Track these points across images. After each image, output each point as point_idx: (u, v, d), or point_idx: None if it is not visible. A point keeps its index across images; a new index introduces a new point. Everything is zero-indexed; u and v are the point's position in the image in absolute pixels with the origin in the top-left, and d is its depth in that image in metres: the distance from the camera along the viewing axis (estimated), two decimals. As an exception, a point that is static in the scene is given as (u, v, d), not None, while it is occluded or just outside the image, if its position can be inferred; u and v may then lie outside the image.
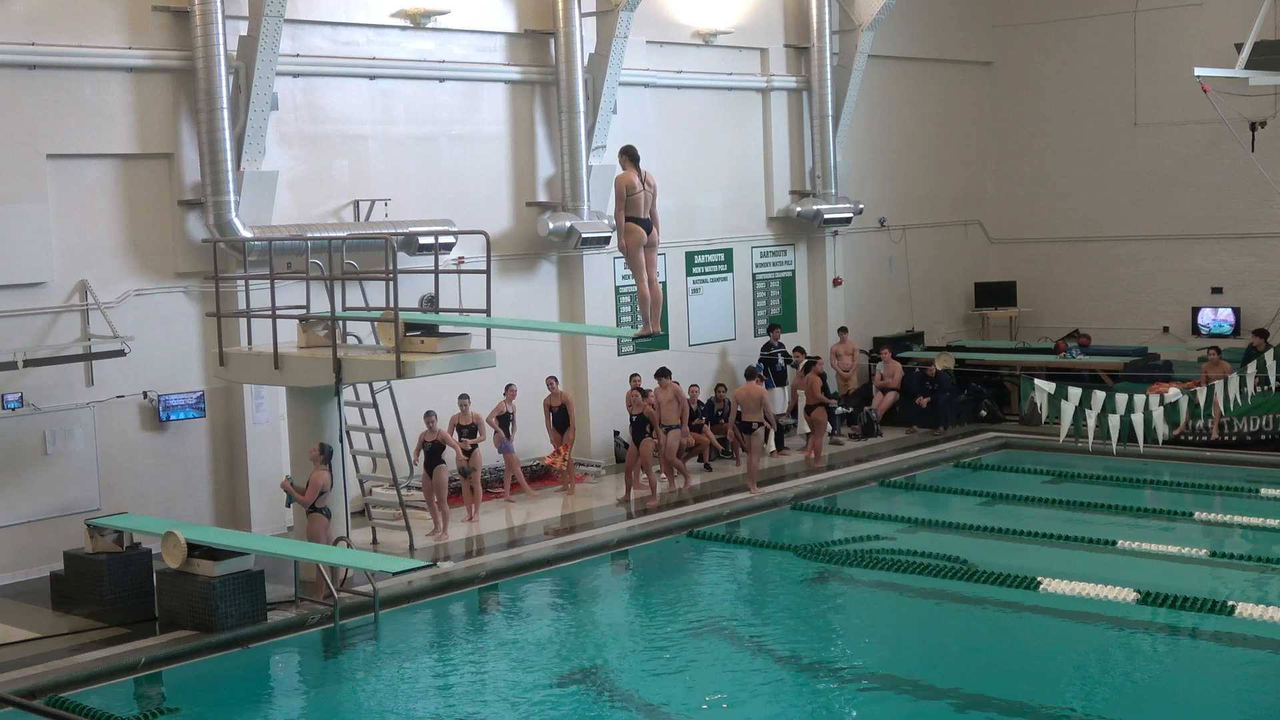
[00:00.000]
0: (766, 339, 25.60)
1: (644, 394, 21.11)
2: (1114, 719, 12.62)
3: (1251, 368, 20.94)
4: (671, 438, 21.02)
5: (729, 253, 25.65)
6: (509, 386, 20.47)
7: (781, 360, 25.19)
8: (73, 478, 17.71)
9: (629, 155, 15.27)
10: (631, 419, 20.96)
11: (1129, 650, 14.88)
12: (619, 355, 23.32)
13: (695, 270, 25.06)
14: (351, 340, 17.69)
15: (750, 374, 22.14)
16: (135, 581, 16.02)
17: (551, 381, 21.39)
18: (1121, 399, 20.42)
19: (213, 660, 14.67)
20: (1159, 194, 28.68)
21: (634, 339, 16.66)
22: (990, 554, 17.85)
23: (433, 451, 18.72)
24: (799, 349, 25.26)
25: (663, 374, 21.17)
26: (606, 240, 22.28)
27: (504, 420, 20.55)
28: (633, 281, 15.88)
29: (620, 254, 16.49)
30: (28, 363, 17.16)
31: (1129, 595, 15.76)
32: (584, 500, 20.87)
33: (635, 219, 15.14)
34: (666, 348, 23.96)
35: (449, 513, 18.98)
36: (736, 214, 25.78)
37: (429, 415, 18.79)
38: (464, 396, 19.59)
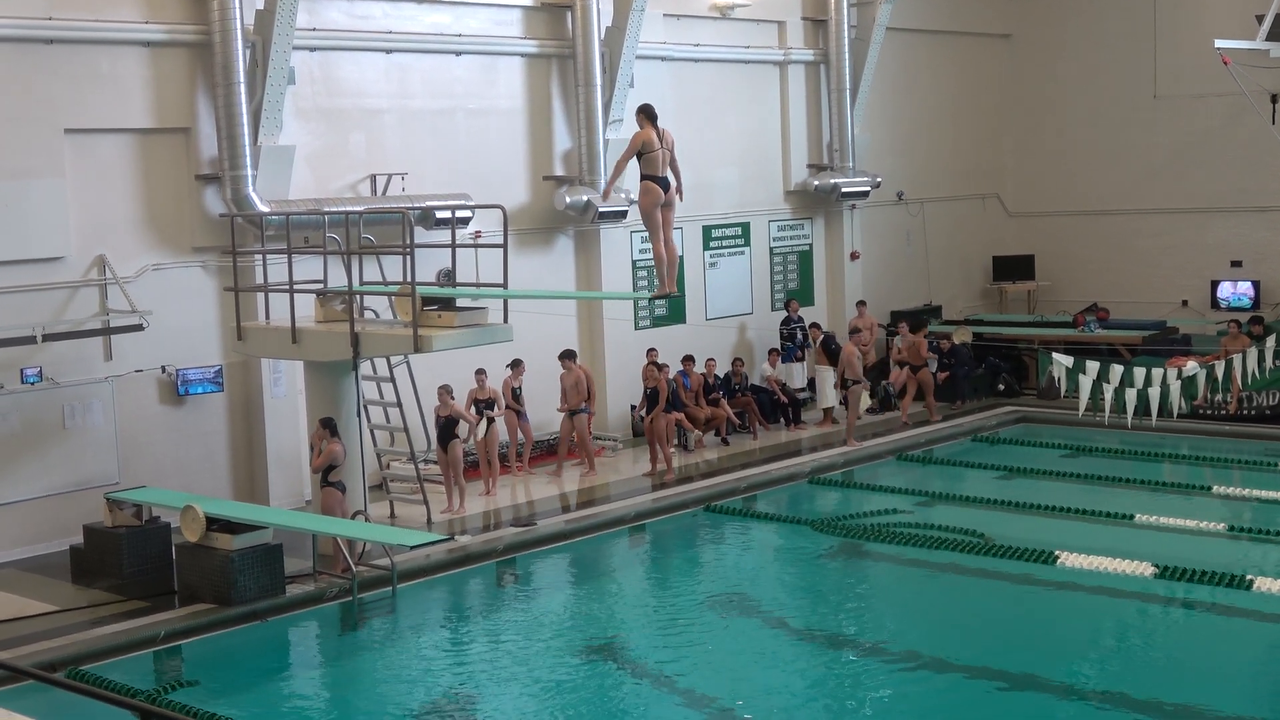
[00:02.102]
0: (785, 313, 25.57)
1: (659, 368, 21.11)
2: (1130, 693, 12.60)
3: (1270, 341, 20.87)
4: (579, 421, 20.69)
5: (746, 226, 25.59)
6: (517, 362, 20.43)
7: (800, 335, 25.17)
8: (92, 452, 17.77)
9: (646, 114, 15.26)
10: (646, 392, 20.97)
11: (1146, 624, 14.90)
12: (635, 330, 23.32)
13: (712, 244, 25.02)
14: (369, 315, 17.71)
15: (852, 332, 23.60)
16: (154, 555, 16.09)
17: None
18: (1140, 373, 20.38)
19: (231, 633, 14.74)
20: (1178, 167, 28.54)
21: (650, 299, 16.64)
22: (1007, 528, 17.83)
23: (446, 427, 18.73)
24: (815, 324, 25.23)
25: (567, 356, 20.79)
26: (624, 214, 22.26)
27: (513, 396, 20.56)
28: (651, 255, 15.85)
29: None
30: (46, 337, 17.22)
31: (1146, 569, 15.74)
32: (602, 474, 20.87)
33: (652, 177, 15.08)
34: (684, 320, 23.96)
35: (465, 487, 19.00)
36: (753, 188, 25.72)
37: (442, 390, 18.79)
38: (481, 371, 19.61)
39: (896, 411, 24.79)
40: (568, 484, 20.37)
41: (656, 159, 15.07)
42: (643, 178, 15.21)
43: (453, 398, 18.83)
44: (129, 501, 16.43)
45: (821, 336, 24.46)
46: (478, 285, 17.53)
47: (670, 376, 21.61)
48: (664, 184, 15.13)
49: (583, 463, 21.22)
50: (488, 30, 21.57)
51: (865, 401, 22.69)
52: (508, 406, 20.44)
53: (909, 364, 24.02)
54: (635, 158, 15.32)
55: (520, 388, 20.59)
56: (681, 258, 23.41)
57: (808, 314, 25.83)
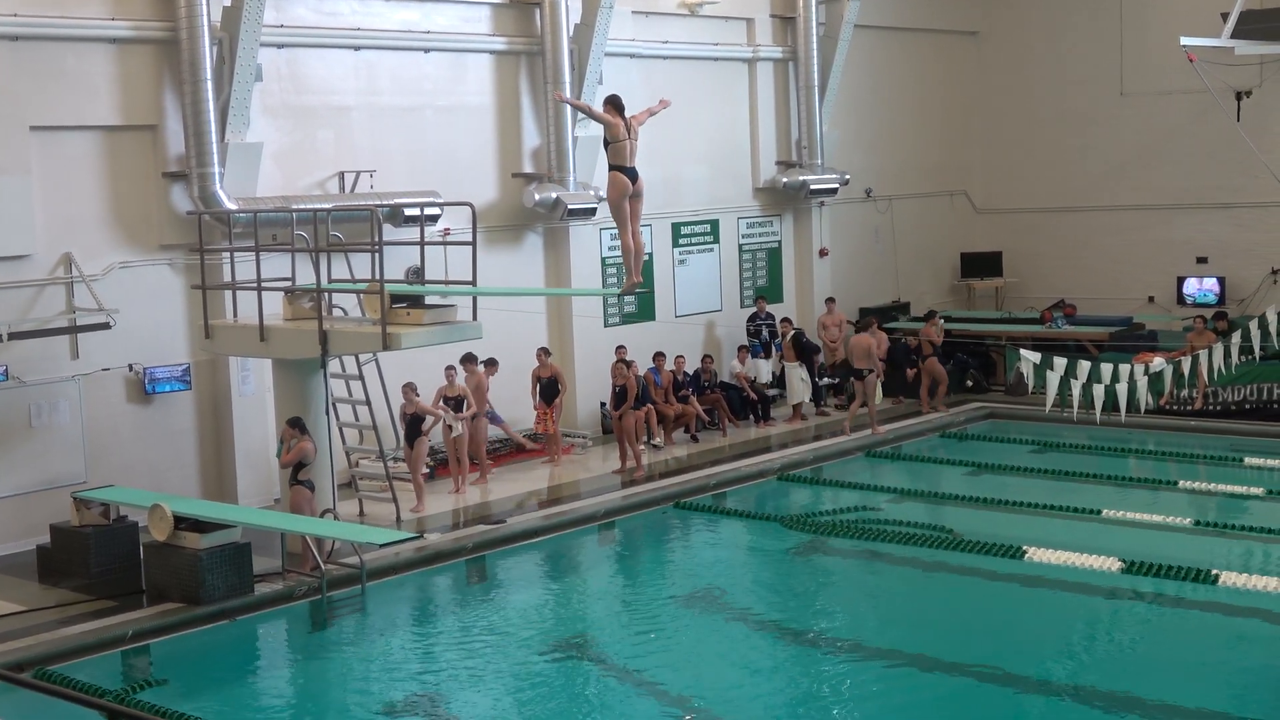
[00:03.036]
0: (753, 310, 25.61)
1: (628, 365, 21.11)
2: (1097, 687, 12.67)
3: (1236, 337, 21.01)
4: (480, 426, 20.09)
5: (715, 224, 25.62)
6: (491, 361, 20.43)
7: (766, 332, 25.18)
8: (58, 451, 17.68)
9: (613, 104, 14.94)
10: (614, 389, 20.98)
11: (1113, 619, 14.97)
12: (605, 327, 23.30)
13: (681, 241, 25.04)
14: (337, 312, 17.66)
15: (863, 327, 23.83)
16: (122, 554, 16.02)
17: (542, 353, 21.36)
18: (1107, 369, 20.49)
19: (200, 633, 14.69)
20: (1145, 164, 28.69)
21: (619, 295, 16.60)
22: (976, 523, 17.91)
23: (412, 424, 18.70)
24: (786, 319, 25.27)
25: (469, 360, 19.96)
26: (592, 211, 22.26)
27: (479, 395, 20.51)
28: (620, 254, 15.80)
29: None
30: (12, 335, 17.12)
31: (1114, 564, 15.83)
32: (571, 471, 20.88)
33: (620, 168, 14.80)
34: (653, 318, 23.97)
35: (423, 485, 18.94)
36: (722, 185, 25.74)
37: (407, 388, 18.78)
38: (451, 368, 19.58)
39: (864, 408, 24.88)
40: (538, 481, 20.34)
41: (624, 149, 14.78)
42: (610, 168, 14.94)
43: (418, 395, 18.81)
44: (96, 501, 16.36)
45: (792, 332, 24.52)
46: (446, 283, 17.49)
47: (642, 373, 21.59)
48: (631, 174, 14.85)
49: (551, 459, 21.24)
50: (456, 27, 21.54)
51: (879, 395, 23.54)
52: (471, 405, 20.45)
53: (925, 353, 24.52)
54: (603, 145, 15.16)
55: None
56: (651, 254, 23.53)
57: (777, 311, 25.87)
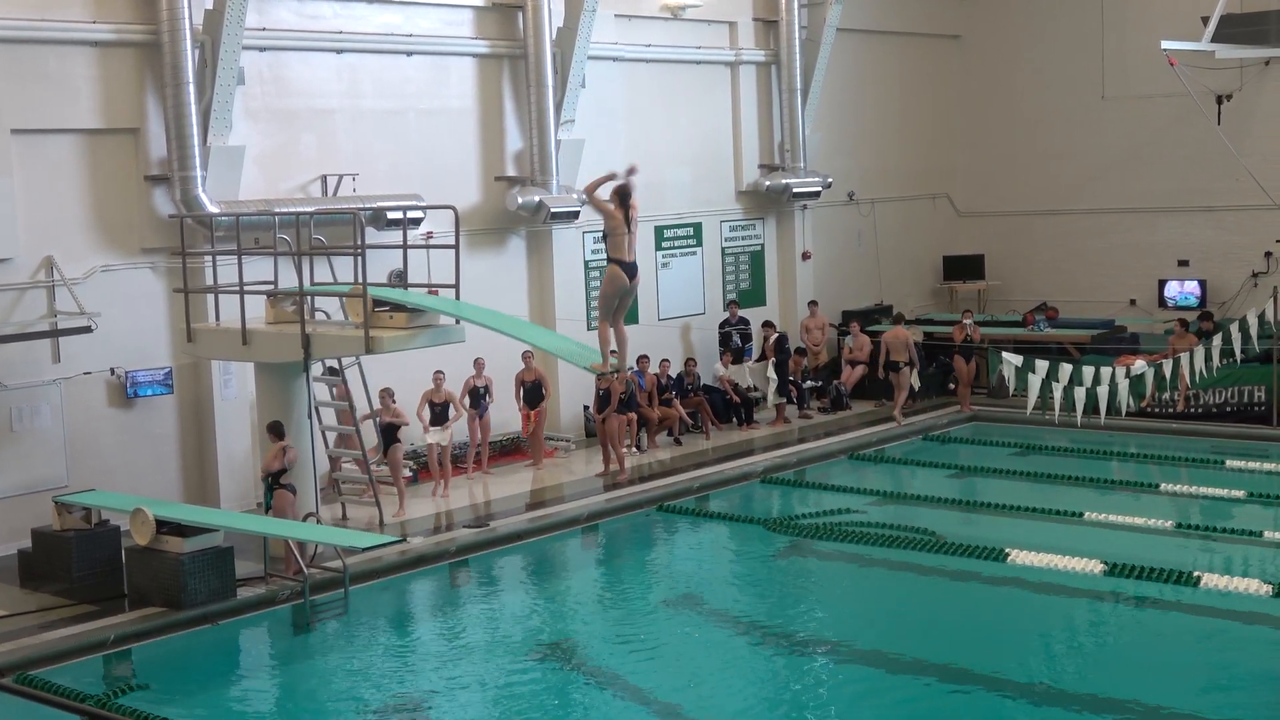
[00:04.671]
0: (725, 316, 25.54)
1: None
2: (1080, 690, 12.70)
3: (1217, 340, 21.07)
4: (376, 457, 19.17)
5: (698, 227, 25.63)
6: (477, 360, 20.44)
7: (737, 337, 25.10)
8: (40, 455, 17.62)
9: (620, 195, 14.57)
10: (598, 393, 20.98)
11: (1095, 621, 15.01)
12: (588, 330, 23.27)
13: (664, 244, 25.04)
14: (320, 316, 17.63)
15: (897, 320, 24.86)
16: (104, 558, 15.96)
17: (527, 356, 21.33)
18: (1088, 371, 20.54)
19: (182, 637, 14.65)
20: (1126, 167, 28.77)
21: (599, 374, 16.34)
22: (958, 526, 17.95)
23: (387, 431, 18.66)
24: (768, 323, 25.28)
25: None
26: (575, 215, 22.26)
27: (475, 395, 20.54)
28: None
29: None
30: (-7, 339, 17.08)
31: (1096, 566, 15.88)
32: (554, 475, 20.87)
33: (619, 262, 14.49)
34: (636, 321, 23.94)
35: (404, 491, 18.91)
36: (705, 188, 25.76)
37: (384, 394, 18.74)
38: (439, 373, 19.55)
39: (848, 411, 24.92)
40: (521, 485, 20.33)
41: (622, 242, 14.51)
42: (609, 261, 14.63)
43: (395, 402, 18.78)
44: (78, 505, 16.29)
45: (776, 335, 24.52)
46: (429, 288, 17.47)
47: (629, 376, 21.57)
48: (630, 270, 14.51)
49: (534, 463, 21.24)
50: (439, 30, 21.52)
51: (917, 382, 24.03)
52: (472, 405, 20.40)
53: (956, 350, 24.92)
54: (601, 235, 14.91)
55: (483, 387, 20.56)
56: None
57: (760, 314, 25.88)
